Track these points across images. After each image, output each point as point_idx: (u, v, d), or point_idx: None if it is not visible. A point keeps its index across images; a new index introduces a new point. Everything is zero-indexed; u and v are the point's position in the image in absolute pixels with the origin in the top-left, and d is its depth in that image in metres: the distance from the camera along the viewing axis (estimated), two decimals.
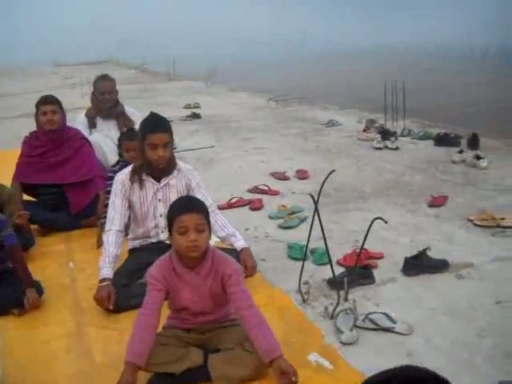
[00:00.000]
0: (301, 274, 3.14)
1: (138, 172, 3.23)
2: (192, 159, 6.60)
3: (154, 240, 3.39)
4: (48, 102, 4.28)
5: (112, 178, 4.21)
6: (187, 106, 11.24)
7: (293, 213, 4.48)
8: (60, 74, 24.98)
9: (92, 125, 5.17)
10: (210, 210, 3.18)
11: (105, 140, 4.91)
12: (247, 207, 4.77)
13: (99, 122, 5.19)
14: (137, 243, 3.43)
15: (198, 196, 3.35)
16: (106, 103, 5.08)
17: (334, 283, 3.14)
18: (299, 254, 3.63)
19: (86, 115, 5.20)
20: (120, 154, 4.28)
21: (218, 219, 3.31)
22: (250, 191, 5.20)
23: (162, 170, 3.24)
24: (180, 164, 3.35)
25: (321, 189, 3.27)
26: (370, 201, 4.88)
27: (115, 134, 5.19)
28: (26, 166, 4.35)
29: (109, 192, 4.16)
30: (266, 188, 5.18)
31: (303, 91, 15.13)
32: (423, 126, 8.00)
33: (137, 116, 5.28)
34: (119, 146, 4.26)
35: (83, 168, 4.42)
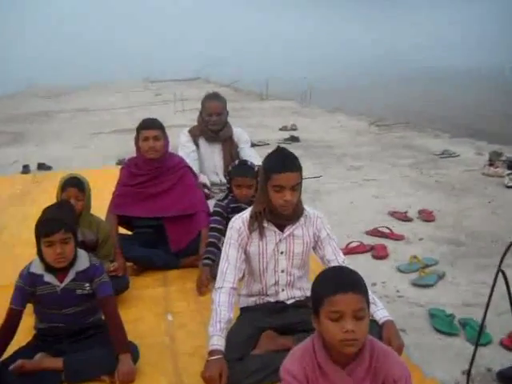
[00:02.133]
0: (471, 365, 2.34)
1: (258, 219, 2.64)
2: None
3: (271, 299, 2.78)
4: (151, 127, 3.80)
5: (217, 214, 3.70)
6: (284, 128, 10.73)
7: (426, 266, 3.74)
8: (151, 90, 25.34)
9: (195, 144, 4.67)
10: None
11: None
12: (369, 254, 4.08)
13: (202, 143, 4.67)
14: (251, 301, 2.82)
15: (328, 250, 2.72)
16: (213, 125, 4.56)
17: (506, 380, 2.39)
18: (447, 326, 2.90)
19: (190, 132, 4.71)
20: (229, 188, 3.74)
21: None
22: (368, 234, 4.50)
23: (287, 216, 2.63)
24: (307, 209, 2.73)
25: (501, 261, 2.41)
26: None
27: (219, 160, 4.70)
28: (123, 196, 3.88)
29: (212, 229, 3.67)
30: (388, 231, 4.46)
31: (403, 114, 14.30)
32: None
33: (244, 137, 4.75)
34: (229, 180, 3.72)
35: (185, 201, 3.89)
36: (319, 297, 1.79)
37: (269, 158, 2.61)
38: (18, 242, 4.43)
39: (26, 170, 7.54)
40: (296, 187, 2.55)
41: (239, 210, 3.67)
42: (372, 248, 4.11)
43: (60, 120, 14.09)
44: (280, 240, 2.67)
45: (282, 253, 2.69)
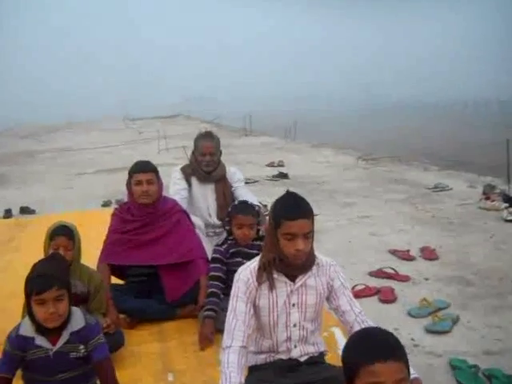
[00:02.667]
0: None
1: (267, 269, 2.43)
2: None
3: (283, 356, 2.55)
4: (144, 170, 3.60)
5: (217, 261, 3.49)
6: (271, 165, 10.61)
7: (438, 309, 3.55)
8: (133, 128, 25.21)
9: (188, 183, 4.49)
10: (358, 320, 2.38)
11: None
12: (375, 298, 3.88)
13: (195, 183, 4.48)
14: (261, 359, 2.59)
15: (343, 300, 2.52)
16: (206, 166, 4.39)
17: None
18: (472, 380, 2.70)
19: (182, 170, 4.52)
20: (228, 231, 3.54)
21: None
22: (372, 275, 4.31)
23: (298, 266, 2.43)
24: (319, 257, 2.54)
25: None
26: None
27: (212, 201, 4.52)
28: (115, 244, 3.65)
29: (212, 278, 3.46)
30: (393, 272, 4.28)
31: (389, 148, 14.31)
32: None
33: (237, 176, 4.59)
34: (228, 222, 3.53)
35: (182, 247, 3.67)
36: (355, 365, 1.58)
37: (279, 204, 2.42)
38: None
39: (8, 214, 7.24)
40: (309, 235, 2.36)
41: (239, 254, 3.48)
42: (378, 291, 3.91)
43: (42, 160, 13.82)
44: (292, 291, 2.46)
45: (293, 305, 2.48)
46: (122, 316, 3.53)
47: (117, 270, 3.75)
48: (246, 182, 8.21)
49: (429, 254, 4.71)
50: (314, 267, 2.49)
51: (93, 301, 3.19)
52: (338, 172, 9.63)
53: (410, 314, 3.53)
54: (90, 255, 3.66)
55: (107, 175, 10.65)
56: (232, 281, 3.53)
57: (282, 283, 2.45)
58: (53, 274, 2.33)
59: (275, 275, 2.44)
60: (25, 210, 7.41)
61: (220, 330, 3.27)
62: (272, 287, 2.44)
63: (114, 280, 3.75)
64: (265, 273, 2.43)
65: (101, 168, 11.76)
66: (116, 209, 3.80)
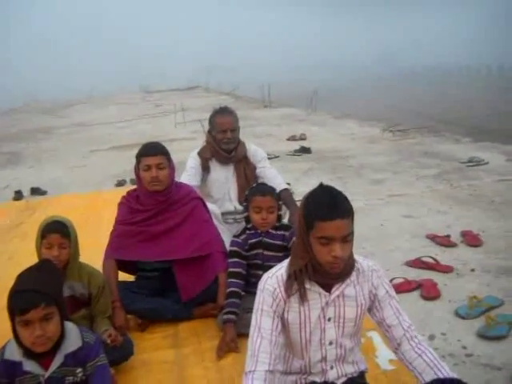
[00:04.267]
0: None
1: (298, 279, 2.02)
2: None
3: (317, 379, 2.14)
4: (153, 153, 3.17)
5: (235, 255, 3.08)
6: (292, 138, 10.13)
7: (491, 308, 3.12)
8: (150, 101, 24.81)
9: (205, 168, 4.08)
10: (407, 336, 1.95)
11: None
12: (416, 293, 3.44)
13: (214, 166, 4.08)
14: (290, 381, 2.19)
15: (389, 312, 2.09)
16: (227, 144, 3.96)
17: None
18: None
19: (199, 154, 4.10)
20: (247, 219, 3.13)
21: (427, 353, 2.02)
22: (410, 265, 3.87)
23: (336, 274, 2.01)
24: (359, 261, 2.12)
25: None
26: None
27: (233, 184, 4.11)
28: (122, 237, 3.25)
29: (231, 274, 3.07)
30: (434, 262, 3.83)
31: (415, 118, 13.73)
32: None
33: (260, 155, 4.16)
34: (246, 207, 3.11)
35: (198, 239, 3.27)
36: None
37: (311, 200, 1.99)
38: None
39: (18, 196, 6.91)
40: (348, 237, 1.94)
41: (260, 245, 3.08)
42: (420, 285, 3.47)
43: (57, 137, 13.49)
44: (327, 303, 2.04)
45: (329, 319, 2.07)
46: (131, 317, 3.16)
47: (125, 265, 3.36)
48: None
49: (472, 240, 4.24)
50: (354, 273, 2.07)
51: (96, 304, 2.82)
52: (364, 145, 9.13)
53: (458, 314, 3.09)
54: (102, 241, 3.35)
55: (122, 152, 10.28)
56: (253, 275, 3.16)
57: (316, 294, 2.03)
58: (39, 289, 1.94)
59: (307, 285, 2.02)
60: (36, 191, 7.09)
61: (242, 335, 2.90)
62: (304, 299, 2.02)
63: (122, 276, 3.36)
64: (295, 282, 2.02)
65: (116, 144, 11.39)
66: (123, 197, 3.38)
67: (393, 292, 2.13)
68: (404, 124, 11.04)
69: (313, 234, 1.93)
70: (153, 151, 3.19)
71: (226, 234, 3.78)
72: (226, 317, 2.91)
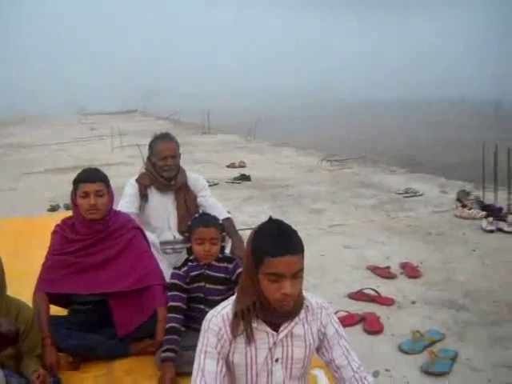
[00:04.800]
0: None
1: (245, 318, 1.91)
2: None
3: None
4: (91, 180, 3.01)
5: (175, 288, 2.95)
6: (232, 165, 10.08)
7: (433, 342, 3.11)
8: (86, 124, 24.30)
9: (144, 195, 3.93)
10: (357, 377, 1.90)
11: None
12: (359, 326, 3.40)
13: (153, 193, 3.94)
14: None
15: (338, 352, 2.01)
16: (168, 171, 3.84)
17: None
18: None
19: (138, 182, 3.95)
20: (189, 251, 3.01)
21: None
22: (352, 297, 3.84)
23: (285, 312, 1.92)
24: (307, 298, 2.04)
25: None
26: None
27: (172, 212, 3.98)
28: (55, 268, 3.05)
29: (171, 309, 2.92)
30: (375, 294, 3.82)
31: (352, 148, 14.00)
32: None
33: (201, 183, 4.05)
34: (188, 238, 2.99)
35: (136, 271, 3.11)
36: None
37: (260, 235, 1.90)
38: None
39: None
40: (299, 274, 1.86)
41: (202, 278, 2.96)
42: (362, 319, 3.43)
43: None
44: (275, 343, 1.95)
45: (276, 360, 1.97)
46: (62, 355, 2.95)
47: (57, 299, 3.15)
48: None
49: (411, 271, 4.27)
50: (302, 311, 1.99)
51: (25, 340, 2.61)
52: (302, 174, 9.19)
53: (401, 350, 3.06)
54: (33, 270, 3.14)
55: (56, 175, 9.93)
56: (194, 310, 3.03)
57: (263, 334, 1.94)
58: None
59: (254, 324, 1.92)
60: None
61: (181, 374, 2.76)
62: (250, 340, 1.92)
63: (54, 310, 3.15)
64: (242, 322, 1.92)
65: (50, 167, 11.00)
66: (58, 225, 3.19)
67: (342, 331, 2.06)
68: (341, 154, 11.21)
69: (261, 271, 1.84)
70: (92, 177, 3.04)
71: (165, 265, 3.65)
72: (164, 355, 2.76)
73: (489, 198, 6.48)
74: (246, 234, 5.33)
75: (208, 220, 2.93)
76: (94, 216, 3.02)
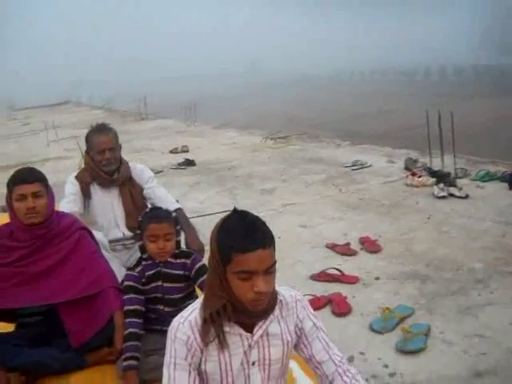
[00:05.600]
0: None
1: (216, 321, 1.73)
2: (209, 227, 5.09)
3: None
4: (27, 181, 2.74)
5: (131, 290, 2.73)
6: (174, 151, 9.80)
7: (404, 318, 3.02)
8: (18, 119, 23.30)
9: (86, 193, 3.66)
10: (340, 371, 1.76)
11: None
12: (327, 309, 3.28)
13: (96, 190, 3.67)
14: None
15: (317, 347, 1.86)
16: (107, 165, 3.59)
17: None
18: None
19: (78, 178, 3.68)
20: (142, 248, 2.79)
21: None
22: (315, 278, 3.72)
23: (258, 312, 1.75)
24: (280, 292, 1.88)
25: None
26: (493, 286, 3.43)
27: (118, 208, 3.73)
28: None
29: (128, 313, 2.71)
30: (339, 273, 3.71)
31: (293, 124, 13.92)
32: (472, 162, 6.69)
33: (147, 174, 3.81)
34: (140, 236, 2.77)
35: (85, 276, 2.86)
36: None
37: (224, 230, 1.72)
38: None
39: None
40: (271, 269, 1.69)
41: (159, 277, 2.75)
42: (329, 301, 3.32)
43: None
44: (250, 346, 1.78)
45: (253, 364, 1.80)
46: (12, 375, 2.70)
47: (1, 314, 2.88)
48: None
49: (371, 246, 4.19)
50: (277, 307, 1.83)
51: None
52: (248, 154, 9.00)
53: (373, 329, 2.96)
54: None
55: None
56: (152, 311, 2.82)
57: (237, 337, 1.76)
58: None
59: (226, 328, 1.74)
60: None
61: (146, 381, 2.56)
62: (223, 346, 1.74)
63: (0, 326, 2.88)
64: (212, 327, 1.73)
65: None
66: None
67: (319, 322, 1.92)
68: (283, 131, 11.08)
69: (230, 269, 1.66)
70: (28, 178, 2.76)
71: (116, 263, 3.44)
72: (126, 363, 2.55)
73: (435, 164, 6.51)
74: (196, 223, 5.14)
75: (160, 215, 2.72)
76: (34, 220, 2.76)
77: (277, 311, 1.82)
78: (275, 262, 1.70)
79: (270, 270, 1.67)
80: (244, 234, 1.65)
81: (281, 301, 1.85)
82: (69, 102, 33.11)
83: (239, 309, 1.71)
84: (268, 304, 1.74)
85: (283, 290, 1.90)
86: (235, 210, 1.77)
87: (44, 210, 2.78)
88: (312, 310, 1.92)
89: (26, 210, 2.73)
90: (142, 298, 2.74)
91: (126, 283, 2.76)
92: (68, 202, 3.59)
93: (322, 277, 3.69)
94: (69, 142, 11.69)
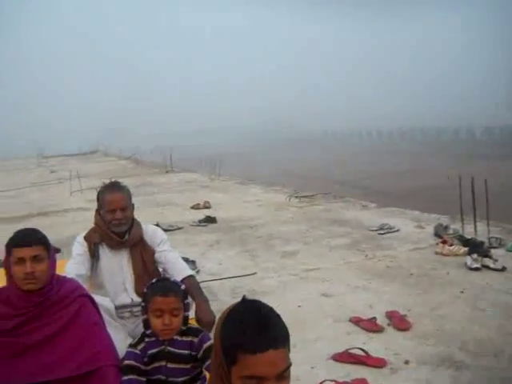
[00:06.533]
0: None
1: None
2: (226, 291, 4.82)
3: None
4: (26, 243, 2.53)
5: (131, 371, 2.43)
6: (196, 207, 9.61)
7: None
8: (45, 167, 23.61)
9: (94, 255, 3.44)
10: None
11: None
12: None
13: (104, 252, 3.46)
14: None
15: None
16: (118, 226, 3.38)
17: None
18: None
19: (86, 239, 3.47)
20: (146, 323, 2.52)
21: None
22: (336, 359, 3.38)
23: None
24: None
25: None
26: None
27: (128, 271, 3.50)
28: None
29: None
30: (363, 354, 3.37)
31: (317, 182, 13.75)
32: (507, 231, 6.34)
33: (159, 237, 3.58)
34: (144, 308, 2.51)
35: (84, 351, 2.60)
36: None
37: (231, 322, 1.45)
38: None
39: None
40: (285, 373, 1.41)
41: (162, 357, 2.47)
42: None
43: None
44: None
45: None
46: None
47: None
48: (169, 230, 7.21)
49: (399, 323, 3.85)
50: None
51: None
52: (271, 213, 8.76)
53: None
54: None
55: (9, 224, 9.25)
56: None
57: None
58: None
59: None
60: None
61: None
62: None
63: None
64: None
65: (1, 216, 10.32)
66: None
67: None
68: (309, 189, 10.87)
69: (235, 373, 1.39)
70: (27, 240, 2.55)
71: (122, 331, 3.20)
72: None
73: (468, 231, 6.19)
74: (213, 286, 4.89)
75: (166, 287, 2.46)
76: (32, 286, 2.53)
77: None
78: (289, 366, 1.42)
79: (283, 375, 1.40)
80: (253, 329, 1.39)
81: None
82: (97, 151, 33.62)
83: None
84: None
85: None
86: (244, 299, 1.50)
87: (43, 275, 2.56)
88: None
89: (24, 275, 2.51)
90: (144, 379, 2.47)
91: (126, 362, 2.49)
92: (76, 263, 3.39)
93: (345, 358, 3.35)
94: (92, 193, 11.61)
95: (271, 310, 1.47)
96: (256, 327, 1.39)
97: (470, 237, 5.78)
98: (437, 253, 5.57)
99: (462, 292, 4.45)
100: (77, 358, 2.57)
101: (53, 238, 7.11)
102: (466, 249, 5.41)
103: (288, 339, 1.44)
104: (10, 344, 2.55)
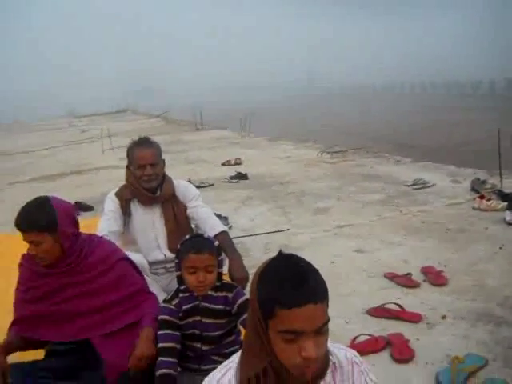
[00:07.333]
0: None
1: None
2: (258, 247, 4.81)
3: None
4: (25, 229, 2.47)
5: (166, 326, 2.42)
6: (227, 163, 9.57)
7: (476, 369, 2.62)
8: (77, 127, 23.77)
9: (126, 211, 3.43)
10: None
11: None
12: (385, 353, 2.91)
13: (136, 208, 3.46)
14: None
15: None
16: (148, 181, 3.35)
17: None
18: None
19: (118, 195, 3.46)
20: (180, 279, 2.50)
21: None
22: (371, 314, 3.35)
23: (307, 379, 1.43)
24: (334, 352, 1.54)
25: None
26: None
27: (160, 228, 3.49)
28: (28, 320, 2.56)
29: (163, 351, 2.42)
30: (399, 309, 3.33)
31: (349, 137, 13.53)
32: None
33: (191, 192, 3.55)
34: (178, 265, 2.49)
35: (127, 315, 2.62)
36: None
37: (267, 277, 1.40)
38: None
39: None
40: (324, 329, 1.37)
41: (197, 311, 2.45)
42: (388, 343, 2.94)
43: None
44: None
45: None
46: None
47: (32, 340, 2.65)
48: (200, 186, 7.19)
49: (436, 278, 3.78)
50: (328, 372, 1.50)
51: None
52: (302, 169, 8.67)
53: (439, 382, 2.57)
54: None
55: (43, 183, 9.38)
56: (189, 348, 2.53)
57: None
58: None
59: None
60: None
61: None
62: None
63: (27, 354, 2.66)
64: None
65: (36, 175, 10.47)
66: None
67: None
68: (340, 145, 10.70)
69: (273, 327, 1.35)
70: (25, 225, 2.47)
71: (156, 287, 3.20)
72: None
73: (506, 186, 6.01)
74: (245, 242, 4.87)
75: (200, 244, 2.42)
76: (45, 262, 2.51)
77: (328, 377, 1.49)
78: (328, 320, 1.38)
79: (321, 331, 1.35)
80: (291, 284, 1.34)
81: (334, 363, 1.52)
82: (127, 110, 33.68)
83: (283, 375, 1.39)
84: (318, 368, 1.42)
85: (336, 348, 1.57)
86: (281, 254, 1.45)
87: (48, 256, 2.50)
88: (372, 376, 1.59)
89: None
90: (178, 334, 2.46)
91: (161, 317, 2.48)
92: (108, 219, 3.39)
93: (380, 312, 3.31)
94: (123, 151, 11.66)
95: (309, 264, 1.42)
96: (293, 281, 1.34)
97: (508, 191, 5.62)
98: (474, 208, 5.44)
99: (501, 248, 4.33)
100: (118, 318, 2.60)
101: (86, 196, 7.23)
102: (505, 203, 5.27)
103: (326, 294, 1.39)
104: (47, 307, 2.56)
